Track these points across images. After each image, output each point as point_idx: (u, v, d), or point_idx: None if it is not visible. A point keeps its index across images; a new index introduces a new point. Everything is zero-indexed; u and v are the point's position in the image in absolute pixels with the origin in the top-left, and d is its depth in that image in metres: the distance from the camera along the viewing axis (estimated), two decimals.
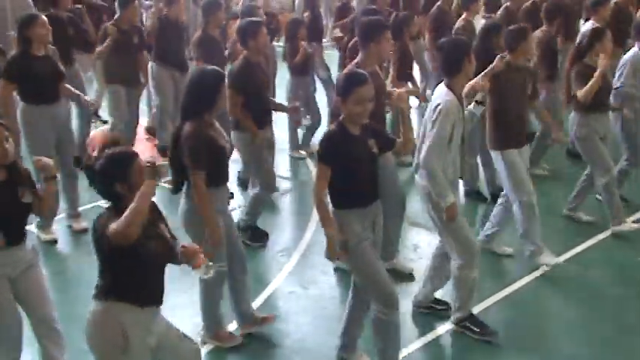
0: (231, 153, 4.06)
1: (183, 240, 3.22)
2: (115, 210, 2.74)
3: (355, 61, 4.48)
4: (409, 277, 4.76)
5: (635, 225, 5.40)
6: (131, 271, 2.77)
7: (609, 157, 5.26)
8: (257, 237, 5.32)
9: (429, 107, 3.93)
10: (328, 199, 3.46)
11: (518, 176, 4.69)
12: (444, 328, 4.18)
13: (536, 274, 4.79)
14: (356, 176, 3.40)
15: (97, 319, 2.81)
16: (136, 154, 2.87)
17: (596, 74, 4.97)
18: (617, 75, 5.59)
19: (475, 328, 4.06)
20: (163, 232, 2.93)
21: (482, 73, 4.50)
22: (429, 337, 4.13)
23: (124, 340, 2.76)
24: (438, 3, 7.91)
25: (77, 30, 6.52)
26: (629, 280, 4.76)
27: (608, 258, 5.09)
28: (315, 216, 5.21)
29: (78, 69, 6.65)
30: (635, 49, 5.62)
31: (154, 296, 2.91)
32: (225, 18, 7.06)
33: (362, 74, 3.44)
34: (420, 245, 5.28)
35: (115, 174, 2.77)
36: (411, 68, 6.96)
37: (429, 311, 4.31)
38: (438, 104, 3.82)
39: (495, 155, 4.78)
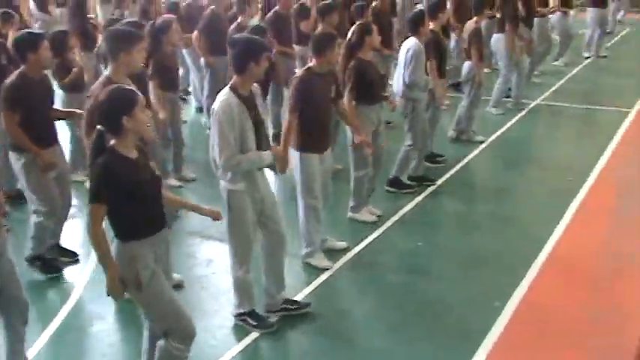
0: None
1: None
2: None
3: (106, 74, 4.31)
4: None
5: (370, 217, 5.73)
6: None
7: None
8: (48, 267, 4.87)
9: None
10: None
11: (309, 181, 4.81)
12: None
13: (328, 273, 4.90)
14: (141, 202, 3.17)
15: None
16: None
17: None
18: (406, 66, 5.99)
19: (252, 322, 4.19)
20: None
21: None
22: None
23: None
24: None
25: None
26: (411, 267, 5.08)
27: (391, 246, 5.39)
28: None
29: None
30: (414, 39, 6.03)
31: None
32: None
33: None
34: (213, 259, 5.18)
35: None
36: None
37: (286, 313, 4.32)
38: (214, 108, 3.84)
39: (293, 153, 4.82)
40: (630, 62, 12.50)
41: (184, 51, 8.49)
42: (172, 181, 6.50)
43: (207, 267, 5.08)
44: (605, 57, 12.69)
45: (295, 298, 4.48)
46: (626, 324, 4.13)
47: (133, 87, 3.51)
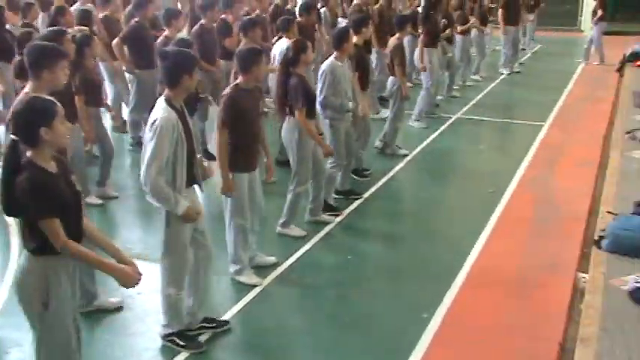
0: None
1: None
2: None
3: (25, 90, 4.13)
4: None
5: (299, 233, 5.74)
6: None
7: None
8: None
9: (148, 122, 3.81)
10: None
11: (238, 201, 4.76)
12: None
13: (258, 289, 4.87)
14: (61, 217, 3.01)
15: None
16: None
17: None
18: (319, 86, 5.98)
19: (181, 342, 4.11)
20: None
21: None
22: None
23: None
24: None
25: None
26: (341, 281, 5.09)
27: (320, 260, 5.40)
28: None
29: None
30: (331, 58, 6.09)
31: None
32: None
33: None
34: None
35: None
36: None
37: (204, 331, 4.25)
38: (155, 120, 3.72)
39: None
40: (541, 77, 13.11)
41: (101, 64, 8.23)
42: (93, 199, 6.29)
43: (133, 288, 4.90)
44: (518, 72, 13.27)
45: (217, 317, 4.42)
46: (546, 330, 4.29)
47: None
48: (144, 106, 6.94)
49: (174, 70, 3.81)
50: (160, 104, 3.82)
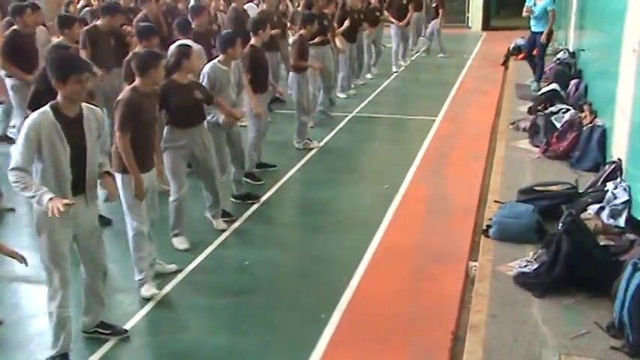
0: None
1: None
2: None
3: None
4: None
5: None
6: None
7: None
8: None
9: None
10: None
11: (134, 203, 4.67)
12: None
13: (156, 298, 4.74)
14: None
15: None
16: None
17: None
18: None
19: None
20: None
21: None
22: None
23: None
24: None
25: None
26: (241, 286, 5.01)
27: (220, 266, 5.31)
28: None
29: None
30: (214, 61, 5.99)
31: None
32: None
33: None
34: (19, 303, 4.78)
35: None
36: None
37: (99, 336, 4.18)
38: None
39: (118, 177, 4.59)
40: (432, 73, 13.55)
41: None
42: None
43: (14, 312, 4.65)
44: (406, 68, 13.72)
45: (115, 323, 4.33)
46: (440, 321, 4.39)
47: None
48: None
49: (61, 75, 3.70)
50: (40, 110, 3.72)
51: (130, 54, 6.38)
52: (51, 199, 3.51)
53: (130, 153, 4.60)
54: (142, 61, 4.73)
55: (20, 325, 4.48)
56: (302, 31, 8.15)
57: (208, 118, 5.84)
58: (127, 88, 4.83)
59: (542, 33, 10.38)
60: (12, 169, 3.64)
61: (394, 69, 13.40)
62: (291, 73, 8.22)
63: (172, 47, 5.64)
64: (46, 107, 3.74)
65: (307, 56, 8.24)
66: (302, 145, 8.20)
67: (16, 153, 3.68)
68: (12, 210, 6.40)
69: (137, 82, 4.72)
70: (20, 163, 3.64)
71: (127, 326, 4.38)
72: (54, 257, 3.83)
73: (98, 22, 7.69)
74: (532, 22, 10.62)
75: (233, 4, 10.13)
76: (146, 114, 4.71)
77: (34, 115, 3.72)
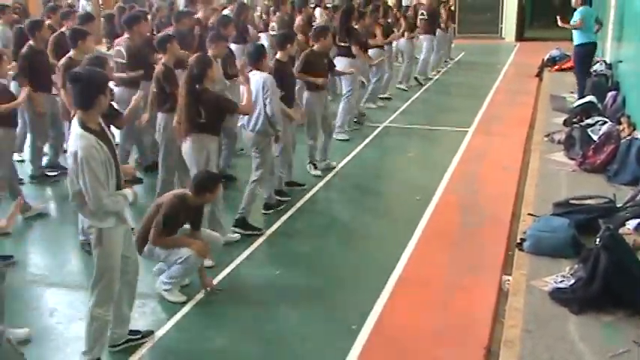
0: None
1: None
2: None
3: None
4: None
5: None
6: None
7: None
8: None
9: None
10: None
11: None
12: None
13: (186, 307, 4.76)
14: None
15: None
16: None
17: None
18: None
19: None
20: None
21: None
22: None
23: None
24: None
25: None
26: (268, 298, 4.97)
27: (247, 277, 5.30)
28: None
29: None
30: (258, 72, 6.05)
31: None
32: None
33: None
34: (57, 308, 4.82)
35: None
36: None
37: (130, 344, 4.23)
38: (76, 152, 3.63)
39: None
40: (465, 84, 13.44)
41: None
42: None
43: (51, 317, 4.70)
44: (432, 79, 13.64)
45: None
46: (472, 335, 4.32)
47: None
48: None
49: (88, 92, 3.71)
50: (77, 131, 3.69)
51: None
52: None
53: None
54: (201, 184, 4.91)
55: (57, 330, 4.52)
56: (315, 46, 7.57)
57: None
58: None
59: (582, 45, 10.17)
60: (100, 200, 3.67)
61: (422, 77, 13.37)
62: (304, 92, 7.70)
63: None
64: (80, 129, 3.74)
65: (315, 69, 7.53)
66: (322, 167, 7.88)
67: (92, 186, 3.65)
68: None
69: None
70: (104, 190, 3.71)
71: (158, 333, 4.40)
72: (108, 269, 3.91)
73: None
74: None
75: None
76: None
77: (86, 141, 3.70)
